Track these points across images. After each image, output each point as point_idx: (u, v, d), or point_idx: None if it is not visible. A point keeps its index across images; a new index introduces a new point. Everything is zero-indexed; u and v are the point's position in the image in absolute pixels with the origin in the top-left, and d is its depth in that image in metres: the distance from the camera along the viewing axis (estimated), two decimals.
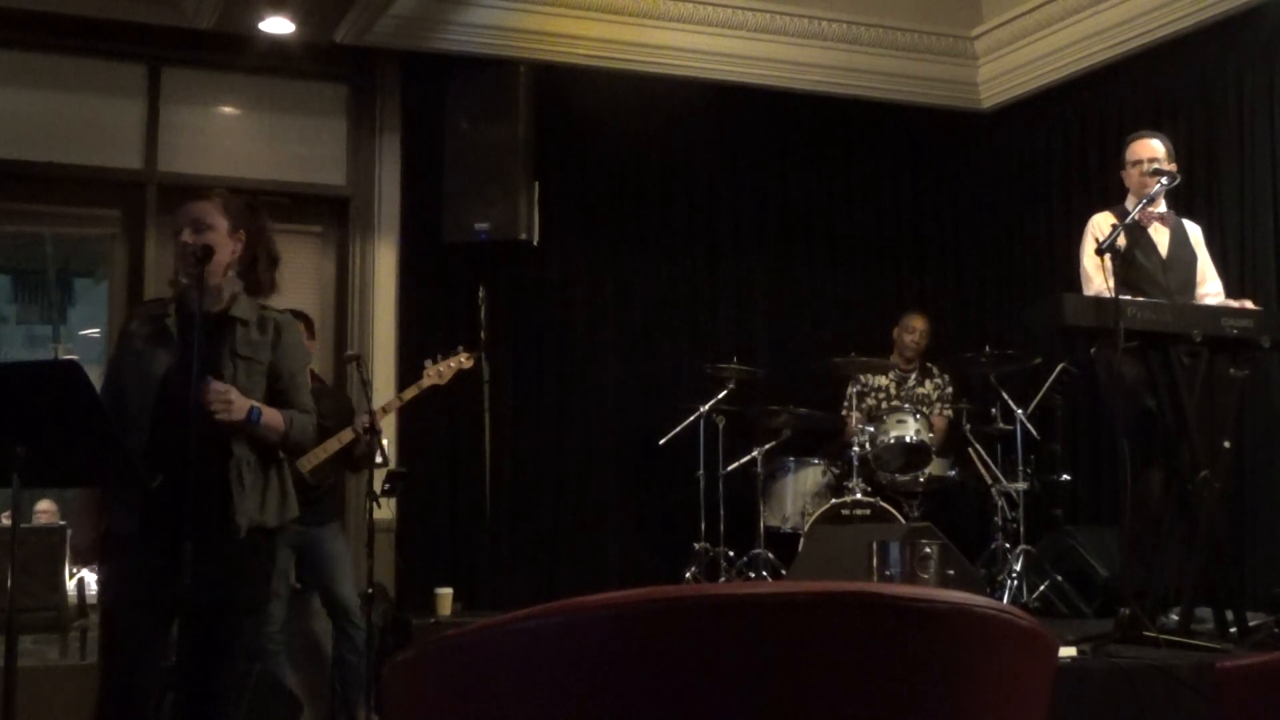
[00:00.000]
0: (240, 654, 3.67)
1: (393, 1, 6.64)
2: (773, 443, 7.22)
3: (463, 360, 6.04)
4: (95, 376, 3.47)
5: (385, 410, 5.94)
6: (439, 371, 5.96)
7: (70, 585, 7.79)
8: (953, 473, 7.20)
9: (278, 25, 6.73)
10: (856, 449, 6.95)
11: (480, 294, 7.09)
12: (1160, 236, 5.53)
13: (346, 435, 5.74)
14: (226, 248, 3.69)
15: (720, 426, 7.12)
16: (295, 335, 3.83)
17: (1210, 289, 5.56)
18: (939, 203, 8.59)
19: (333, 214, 7.41)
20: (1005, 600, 6.11)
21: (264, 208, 3.90)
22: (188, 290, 3.65)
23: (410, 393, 5.98)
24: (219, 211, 3.70)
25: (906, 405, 7.24)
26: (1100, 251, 4.86)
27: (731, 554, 7.05)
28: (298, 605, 5.95)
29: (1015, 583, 6.40)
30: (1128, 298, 4.91)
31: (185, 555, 3.31)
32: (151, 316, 3.71)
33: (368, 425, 5.60)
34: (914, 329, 7.62)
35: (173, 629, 3.56)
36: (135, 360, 3.62)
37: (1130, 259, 5.28)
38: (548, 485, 7.53)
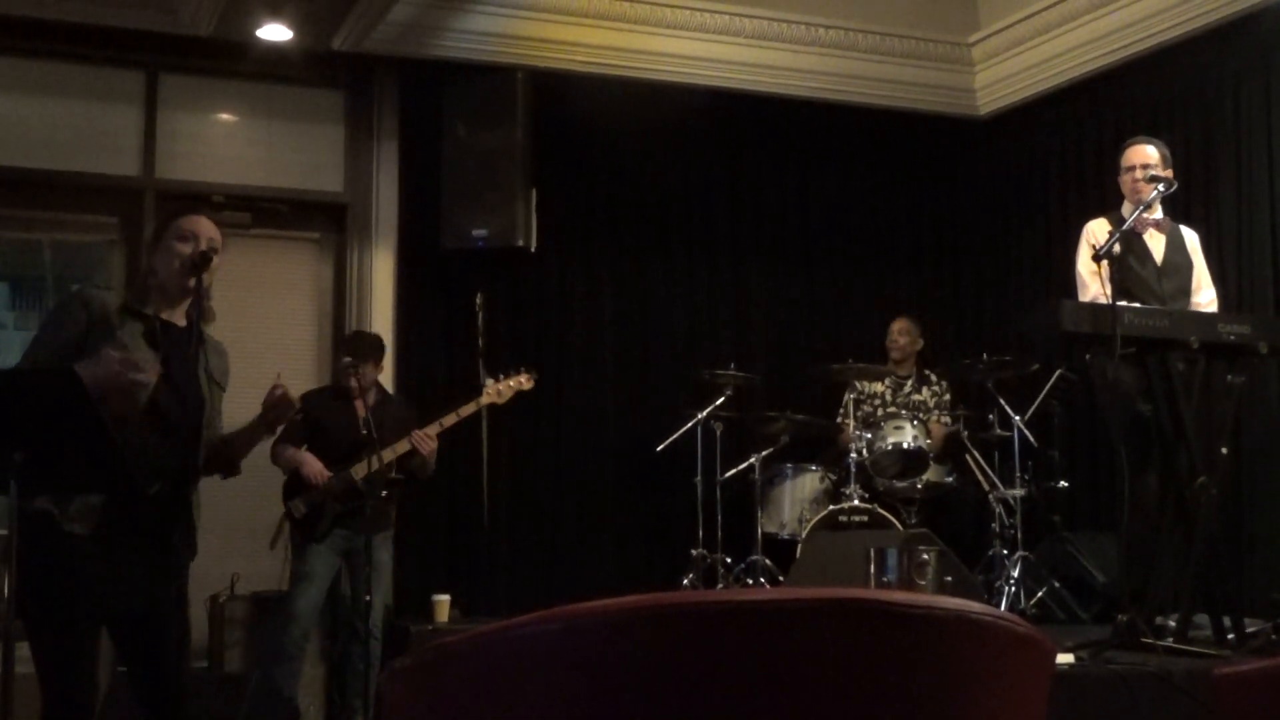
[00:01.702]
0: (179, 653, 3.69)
1: (390, 8, 6.65)
2: (770, 449, 7.22)
3: (523, 381, 6.16)
4: None
5: (443, 424, 6.01)
6: (498, 390, 6.08)
7: None
8: (950, 479, 7.19)
9: (275, 32, 6.72)
10: (854, 455, 6.94)
11: (478, 300, 7.09)
12: (1156, 243, 5.54)
13: (402, 446, 5.86)
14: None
15: (718, 433, 7.11)
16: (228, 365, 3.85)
17: (1204, 298, 5.55)
18: (936, 209, 8.59)
19: (330, 220, 7.41)
20: (1003, 607, 6.11)
21: None
22: (151, 299, 3.63)
23: (468, 409, 6.09)
24: (222, 238, 3.70)
25: (904, 411, 7.24)
26: (1097, 257, 4.86)
27: (729, 560, 7.05)
28: (330, 611, 6.01)
29: (1013, 589, 6.39)
30: (1125, 304, 4.92)
31: (173, 566, 3.34)
32: (132, 313, 3.60)
33: (365, 434, 5.64)
34: (894, 334, 7.64)
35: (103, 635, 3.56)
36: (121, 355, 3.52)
37: (1125, 265, 5.28)
38: (545, 491, 7.53)
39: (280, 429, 3.82)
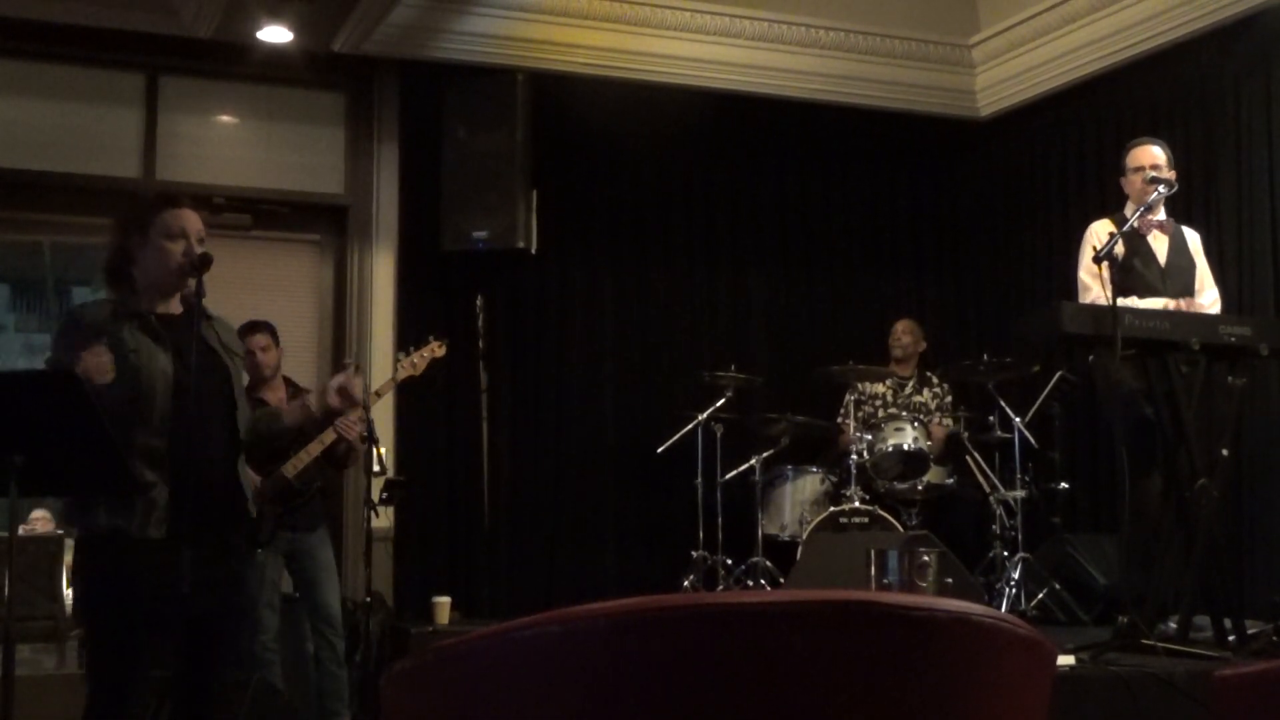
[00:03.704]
0: (234, 656, 3.67)
1: (390, 10, 6.65)
2: (771, 450, 7.22)
3: (435, 349, 6.02)
4: None
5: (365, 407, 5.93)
6: (412, 363, 5.96)
7: (68, 594, 7.78)
8: (951, 481, 7.19)
9: (276, 34, 6.73)
10: (855, 457, 6.94)
11: (478, 302, 7.09)
12: (1159, 244, 5.53)
13: (328, 436, 5.74)
14: None
15: (718, 434, 7.11)
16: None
17: (1207, 298, 5.55)
18: (937, 211, 8.59)
19: (331, 222, 7.41)
20: (1003, 608, 6.10)
21: None
22: (143, 296, 3.62)
23: (385, 387, 5.97)
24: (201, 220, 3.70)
25: (904, 413, 7.24)
26: (1098, 259, 4.86)
27: (730, 562, 7.04)
28: (289, 613, 5.95)
29: (1014, 591, 6.39)
30: (1125, 305, 4.92)
31: (184, 561, 3.30)
32: (125, 315, 3.58)
33: (366, 434, 5.60)
34: (899, 335, 7.65)
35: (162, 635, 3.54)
36: (131, 360, 3.50)
37: (1129, 267, 5.28)
38: (546, 493, 7.53)
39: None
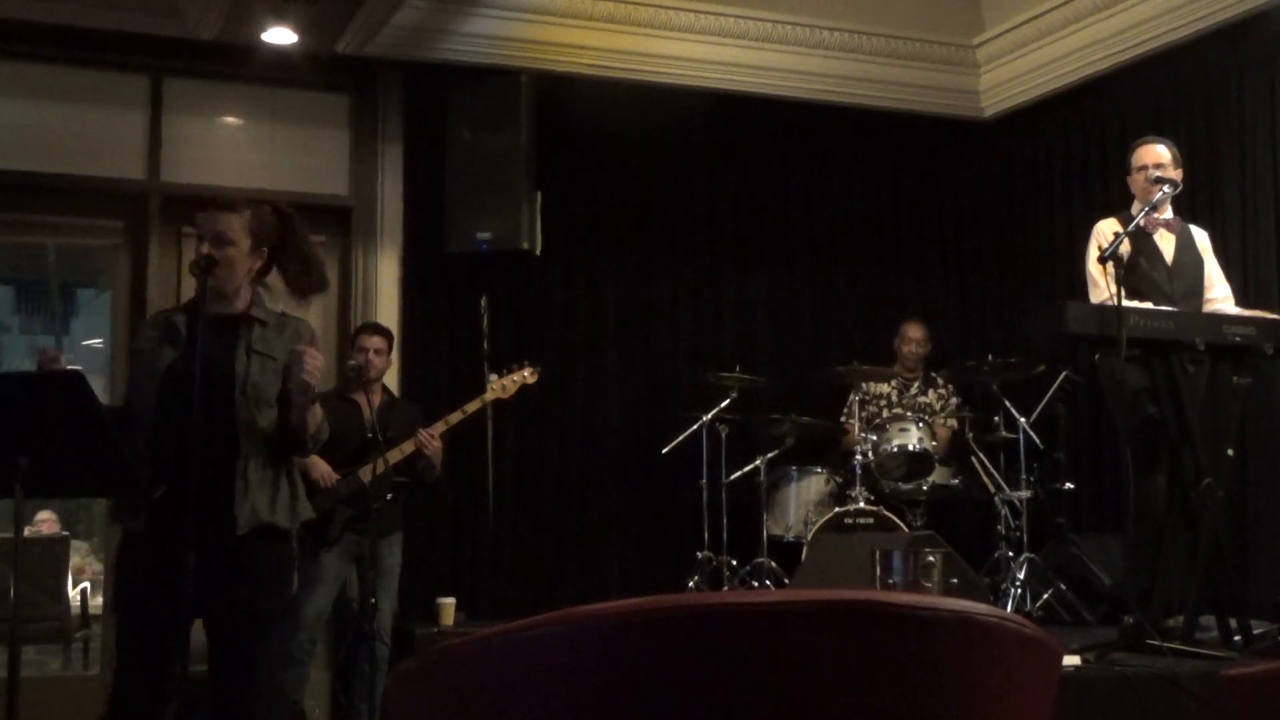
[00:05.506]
0: (264, 664, 3.66)
1: (394, 12, 6.65)
2: (775, 451, 7.22)
3: (526, 375, 6.12)
4: (98, 387, 3.47)
5: (448, 422, 6.00)
6: (503, 385, 6.04)
7: (73, 595, 7.79)
8: (956, 481, 7.19)
9: (280, 36, 6.73)
10: (859, 457, 6.93)
11: (482, 303, 7.09)
12: (1166, 243, 5.52)
13: (408, 447, 5.83)
14: (244, 263, 3.71)
15: (723, 435, 7.11)
16: (309, 339, 3.80)
17: (1219, 293, 5.54)
18: (941, 211, 8.59)
19: (335, 224, 7.41)
20: (1009, 609, 6.10)
21: (293, 214, 3.90)
22: (209, 298, 3.68)
23: (473, 406, 6.05)
24: (244, 228, 3.69)
25: (909, 414, 7.23)
26: (1103, 259, 4.86)
27: (734, 563, 7.04)
28: (347, 617, 6.02)
29: (1019, 591, 6.39)
30: (1131, 305, 4.91)
31: (187, 564, 3.30)
32: (161, 318, 3.78)
33: (371, 436, 5.63)
34: (910, 338, 7.62)
35: (185, 636, 3.52)
36: (144, 360, 3.66)
37: (1135, 266, 5.27)
38: (550, 494, 7.53)
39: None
